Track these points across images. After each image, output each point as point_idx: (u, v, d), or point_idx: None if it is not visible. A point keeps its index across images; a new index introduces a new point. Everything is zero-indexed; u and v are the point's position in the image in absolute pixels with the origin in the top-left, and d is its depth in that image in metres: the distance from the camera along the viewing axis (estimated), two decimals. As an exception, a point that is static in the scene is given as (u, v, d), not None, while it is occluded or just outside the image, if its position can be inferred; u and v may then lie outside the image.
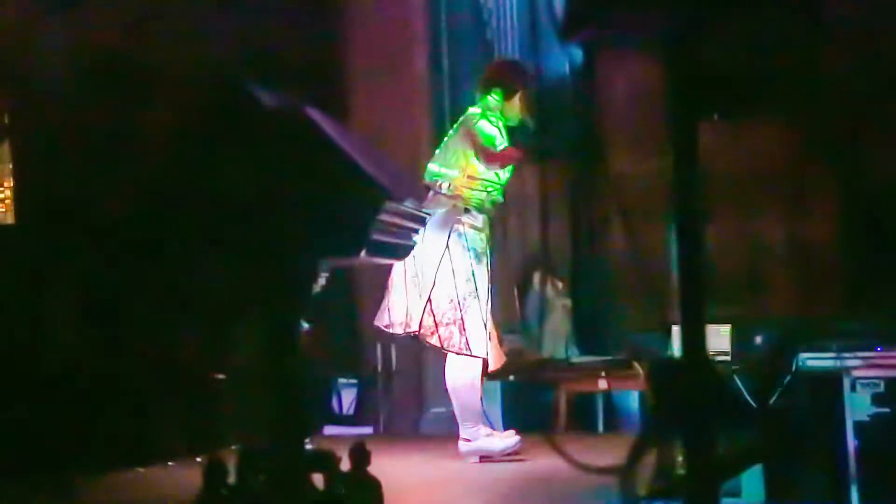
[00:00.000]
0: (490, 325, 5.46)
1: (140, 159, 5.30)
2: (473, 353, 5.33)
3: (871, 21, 6.08)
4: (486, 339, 5.35)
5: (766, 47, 2.73)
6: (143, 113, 5.54)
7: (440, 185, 5.44)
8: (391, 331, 5.50)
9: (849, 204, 6.65)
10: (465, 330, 5.32)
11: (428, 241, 5.26)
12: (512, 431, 5.50)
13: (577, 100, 7.21)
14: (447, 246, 5.37)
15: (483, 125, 5.45)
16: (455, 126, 5.64)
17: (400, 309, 5.43)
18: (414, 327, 5.38)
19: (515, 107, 5.56)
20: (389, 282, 5.47)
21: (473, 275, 5.36)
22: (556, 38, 7.17)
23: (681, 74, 2.53)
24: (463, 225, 5.41)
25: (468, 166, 5.44)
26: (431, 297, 5.33)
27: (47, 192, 5.47)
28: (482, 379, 5.47)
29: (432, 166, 5.53)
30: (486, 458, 5.38)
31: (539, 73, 6.33)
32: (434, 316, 5.32)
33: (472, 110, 5.56)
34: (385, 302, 5.50)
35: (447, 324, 5.31)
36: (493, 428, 5.58)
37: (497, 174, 5.49)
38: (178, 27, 5.83)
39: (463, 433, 5.41)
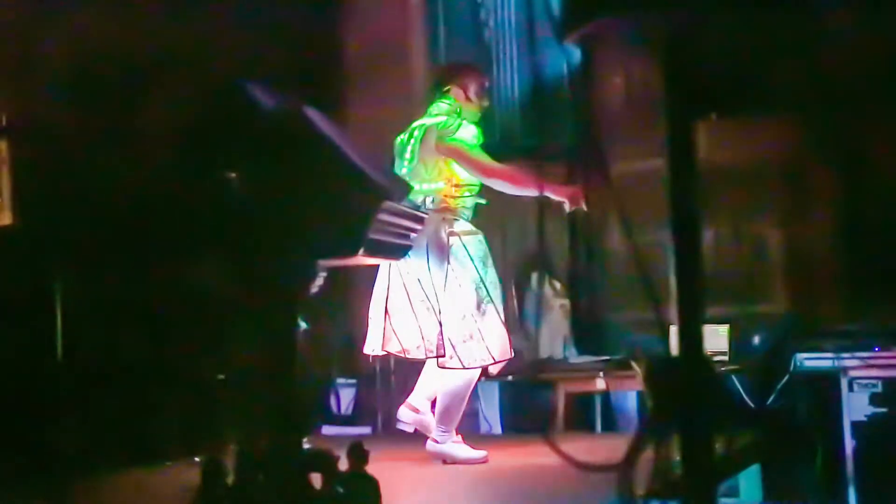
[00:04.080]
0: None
1: (136, 159, 5.30)
2: (498, 360, 5.25)
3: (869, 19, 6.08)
4: (507, 339, 5.26)
5: (764, 45, 2.74)
6: (139, 113, 5.53)
7: (423, 201, 5.23)
8: (406, 356, 5.31)
9: (848, 204, 6.64)
10: (483, 339, 5.19)
11: (431, 262, 5.19)
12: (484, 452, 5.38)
13: (575, 99, 7.21)
14: (448, 261, 5.20)
15: (461, 134, 5.29)
16: (416, 137, 5.43)
17: (412, 332, 5.25)
18: (434, 351, 5.20)
19: (473, 103, 5.45)
20: (385, 306, 5.29)
21: (483, 281, 5.22)
22: (553, 37, 7.17)
23: (678, 73, 2.53)
24: (459, 236, 5.26)
25: (452, 175, 5.30)
26: (442, 321, 5.16)
27: (43, 193, 5.46)
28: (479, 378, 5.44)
29: (416, 186, 5.24)
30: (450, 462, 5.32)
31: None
32: (450, 338, 5.16)
33: (434, 120, 5.39)
34: (383, 327, 5.30)
35: (464, 341, 5.16)
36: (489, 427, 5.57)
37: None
38: (174, 26, 5.82)
39: (435, 435, 5.35)
